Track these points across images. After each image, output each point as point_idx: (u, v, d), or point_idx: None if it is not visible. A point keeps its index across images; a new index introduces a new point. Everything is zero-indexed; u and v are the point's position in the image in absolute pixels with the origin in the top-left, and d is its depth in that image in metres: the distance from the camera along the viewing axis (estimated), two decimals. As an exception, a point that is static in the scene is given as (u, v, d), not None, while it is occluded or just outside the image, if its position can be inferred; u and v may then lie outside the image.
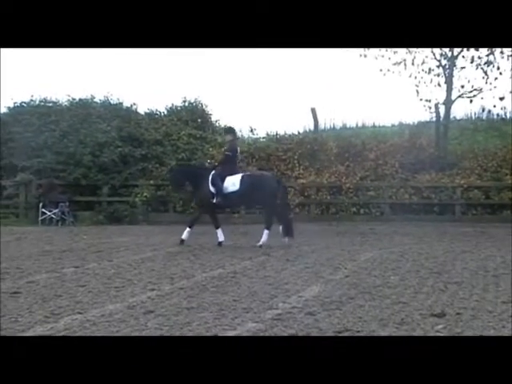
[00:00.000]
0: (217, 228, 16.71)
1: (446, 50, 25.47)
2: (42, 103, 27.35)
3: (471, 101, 26.46)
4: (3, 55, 46.08)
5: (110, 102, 27.43)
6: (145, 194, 24.55)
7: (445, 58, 25.90)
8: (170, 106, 28.26)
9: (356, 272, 11.53)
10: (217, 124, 28.58)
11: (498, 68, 25.49)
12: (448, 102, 26.11)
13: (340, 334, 6.94)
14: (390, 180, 24.53)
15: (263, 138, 27.57)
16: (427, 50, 25.57)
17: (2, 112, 27.31)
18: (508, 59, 25.36)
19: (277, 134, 27.52)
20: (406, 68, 26.06)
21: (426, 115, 28.14)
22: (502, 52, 25.20)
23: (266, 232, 16.15)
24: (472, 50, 25.01)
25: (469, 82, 25.81)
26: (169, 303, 8.70)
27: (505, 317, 7.75)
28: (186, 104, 28.14)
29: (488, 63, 25.50)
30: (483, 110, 31.50)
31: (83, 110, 26.59)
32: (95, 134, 25.57)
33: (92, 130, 25.78)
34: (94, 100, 27.39)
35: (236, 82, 49.60)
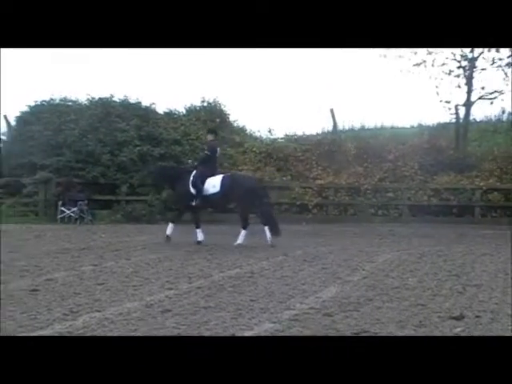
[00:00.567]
0: (197, 228, 16.74)
1: (467, 51, 25.35)
2: (62, 102, 27.49)
3: (492, 102, 26.33)
4: (24, 54, 46.30)
5: (129, 102, 27.50)
6: (163, 194, 24.57)
7: (465, 60, 25.77)
8: (188, 105, 28.32)
9: (374, 273, 11.50)
10: (235, 124, 28.60)
11: (519, 70, 25.33)
12: (468, 104, 25.99)
13: (357, 336, 6.92)
14: (409, 181, 24.43)
15: (281, 138, 27.56)
16: (447, 51, 25.47)
17: (22, 110, 27.47)
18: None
19: (295, 135, 27.49)
20: (426, 69, 25.97)
21: (445, 117, 27.97)
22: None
23: (243, 232, 16.25)
24: (493, 51, 24.87)
25: (489, 83, 25.71)
26: (186, 302, 8.71)
27: (524, 320, 7.70)
28: (205, 104, 28.17)
29: (509, 65, 25.34)
30: (503, 112, 31.30)
31: (102, 109, 26.67)
32: (114, 133, 25.66)
33: (111, 129, 25.86)
34: (114, 99, 27.45)
35: (254, 82, 49.59)
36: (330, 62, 50.94)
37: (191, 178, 16.52)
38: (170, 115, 27.77)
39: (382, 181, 24.65)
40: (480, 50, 24.94)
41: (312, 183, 24.61)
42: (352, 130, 33.19)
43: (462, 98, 26.03)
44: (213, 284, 10.22)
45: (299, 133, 27.97)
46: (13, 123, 27.65)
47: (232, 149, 25.56)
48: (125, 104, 27.32)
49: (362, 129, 33.47)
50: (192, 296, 9.18)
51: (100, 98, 27.37)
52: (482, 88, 25.80)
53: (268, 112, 41.23)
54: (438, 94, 26.00)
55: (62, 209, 24.10)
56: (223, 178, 16.43)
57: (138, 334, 6.96)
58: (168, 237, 16.60)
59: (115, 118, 26.35)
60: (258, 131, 28.52)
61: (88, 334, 6.92)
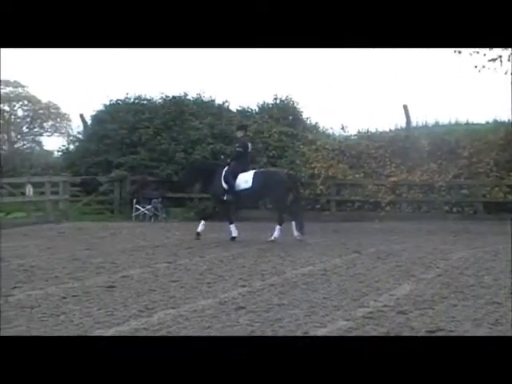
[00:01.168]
0: (230, 224, 16.89)
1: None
2: (137, 101, 27.85)
3: None
4: (99, 54, 47.06)
5: (202, 100, 27.71)
6: (236, 191, 24.66)
7: (542, 54, 25.19)
8: (261, 103, 28.37)
9: (448, 271, 11.36)
10: (308, 121, 28.55)
11: None
12: (545, 99, 25.39)
13: (433, 334, 6.86)
14: (484, 178, 23.99)
15: (354, 135, 27.37)
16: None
17: (98, 109, 27.94)
18: None
19: (368, 132, 27.28)
20: (501, 64, 25.44)
21: (522, 112, 27.37)
22: None
23: (278, 228, 16.40)
24: None
25: None
26: (260, 299, 8.75)
27: None
28: (278, 101, 28.19)
29: None
30: None
31: (176, 107, 26.93)
32: (188, 132, 25.88)
33: (184, 127, 26.10)
34: (187, 97, 27.70)
35: (327, 79, 49.44)
36: (404, 59, 50.46)
37: (223, 174, 16.74)
38: (242, 113, 27.86)
39: (456, 178, 24.26)
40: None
41: (385, 180, 24.40)
42: (426, 126, 32.72)
43: (540, 93, 25.44)
44: (286, 281, 10.24)
45: (372, 129, 27.77)
46: (89, 122, 28.14)
47: (304, 146, 25.51)
48: (198, 102, 27.54)
49: (436, 125, 32.95)
50: (265, 293, 9.22)
51: (174, 97, 27.64)
52: (561, 82, 25.17)
53: (341, 109, 41.08)
54: (513, 89, 25.46)
55: (137, 206, 24.44)
56: (255, 173, 16.69)
57: (212, 331, 7.03)
58: (198, 234, 16.84)
59: (189, 116, 26.58)
60: (331, 128, 28.42)
61: (163, 331, 7.02)
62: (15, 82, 43.35)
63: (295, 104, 28.24)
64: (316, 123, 28.89)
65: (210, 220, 22.47)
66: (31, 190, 24.88)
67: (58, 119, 43.38)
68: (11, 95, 43.51)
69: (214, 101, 27.80)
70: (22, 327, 7.19)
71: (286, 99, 28.14)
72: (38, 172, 28.06)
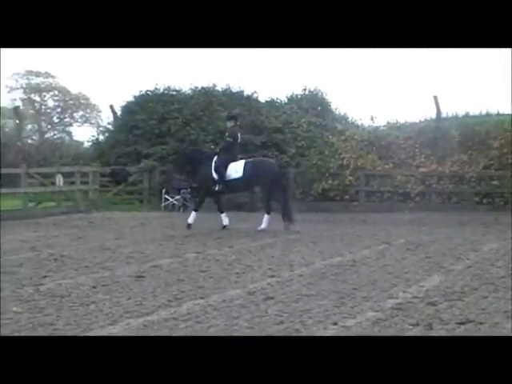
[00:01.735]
0: (221, 213, 17.08)
1: None
2: (166, 91, 27.93)
3: None
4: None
5: (231, 90, 27.74)
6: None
7: None
8: (290, 94, 28.34)
9: (479, 263, 11.28)
10: (337, 112, 28.48)
11: None
12: None
13: (462, 326, 6.82)
14: (515, 169, 23.78)
15: (383, 126, 27.25)
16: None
17: (128, 100, 28.05)
18: None
19: (397, 123, 27.15)
20: (533, 54, 25.21)
21: (554, 102, 27.09)
22: None
23: (266, 217, 16.56)
24: None
25: None
26: (288, 290, 8.75)
27: None
28: (306, 92, 28.15)
29: None
30: None
31: (205, 98, 26.98)
32: (217, 122, 25.90)
33: (213, 117, 26.14)
34: (216, 88, 27.74)
35: (357, 70, 49.24)
36: (434, 50, 50.10)
37: (213, 164, 16.83)
38: (271, 104, 27.87)
39: (486, 168, 24.05)
40: None
41: (415, 171, 24.26)
42: (456, 117, 32.57)
43: None
44: (315, 272, 10.24)
45: (402, 121, 27.64)
46: (118, 113, 28.28)
47: (333, 137, 25.44)
48: (227, 93, 27.57)
49: (467, 116, 32.79)
50: (294, 284, 9.21)
51: (203, 87, 27.69)
52: None
53: (370, 100, 40.90)
54: (546, 79, 25.22)
55: (166, 197, 24.53)
56: (246, 163, 16.80)
57: (240, 321, 7.04)
58: (189, 225, 16.87)
59: (218, 106, 26.61)
60: (360, 119, 28.35)
61: (192, 321, 7.04)
62: (46, 72, 43.69)
63: (324, 95, 28.20)
64: (345, 114, 28.90)
65: (237, 210, 22.58)
66: (61, 180, 25.07)
67: (88, 110, 43.63)
68: (42, 86, 43.81)
69: (242, 91, 27.82)
70: (52, 316, 7.25)
71: (315, 90, 28.09)
72: (68, 162, 28.25)
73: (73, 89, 43.36)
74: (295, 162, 25.16)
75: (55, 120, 44.03)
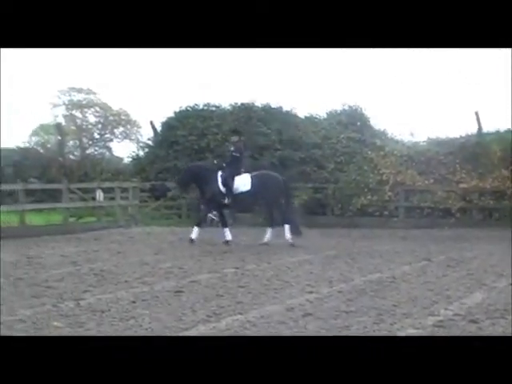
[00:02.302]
0: (224, 227, 17.19)
1: None
2: (206, 107, 28.06)
3: None
4: (172, 61, 47.58)
5: (270, 106, 27.77)
6: (303, 197, 24.61)
7: None
8: (329, 110, 28.33)
9: (521, 280, 11.12)
10: (376, 127, 28.38)
11: None
12: None
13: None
14: (559, 185, 23.45)
15: (423, 141, 27.09)
16: None
17: (168, 116, 28.21)
18: None
19: (437, 138, 26.95)
20: None
21: None
22: None
23: (269, 230, 16.89)
24: None
25: None
26: (327, 306, 8.70)
27: None
28: (346, 108, 28.11)
29: None
30: None
31: (244, 113, 27.05)
32: (255, 137, 25.94)
33: (252, 133, 26.16)
34: (255, 104, 27.80)
35: (396, 85, 49.02)
36: (474, 64, 49.71)
37: (219, 178, 16.94)
38: (310, 119, 27.86)
39: (528, 184, 23.78)
40: None
41: (455, 187, 24.06)
42: (497, 132, 32.16)
43: None
44: (354, 288, 10.17)
45: (442, 136, 27.41)
46: (158, 129, 28.45)
47: (373, 152, 25.34)
48: (266, 109, 27.60)
49: (508, 131, 32.34)
50: (333, 300, 9.16)
51: (242, 103, 27.77)
52: None
53: (410, 115, 40.64)
54: None
55: (205, 212, 24.52)
56: (253, 176, 17.03)
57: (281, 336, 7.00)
58: (192, 240, 16.93)
59: (257, 122, 26.66)
60: (399, 134, 28.18)
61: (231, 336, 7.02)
62: (87, 89, 44.07)
63: (363, 110, 28.13)
64: (384, 129, 28.72)
65: (278, 226, 22.52)
66: (102, 195, 25.30)
67: (129, 126, 43.89)
68: (83, 102, 44.23)
69: (281, 107, 27.84)
70: (92, 331, 7.28)
71: (354, 105, 28.04)
72: (109, 177, 28.53)
73: (114, 105, 43.69)
74: (334, 178, 25.09)
75: (96, 136, 44.36)
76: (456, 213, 23.64)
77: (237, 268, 12.40)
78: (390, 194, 24.13)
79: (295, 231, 16.85)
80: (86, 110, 44.69)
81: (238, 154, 17.31)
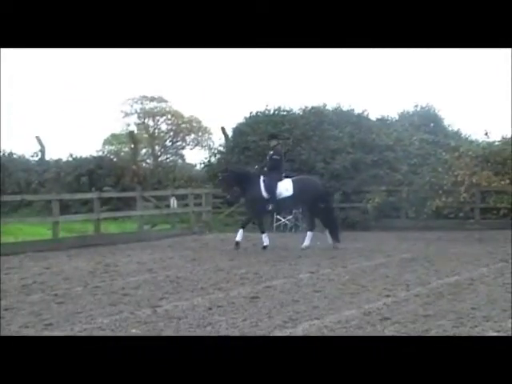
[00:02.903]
0: (263, 233, 17.21)
1: None
2: (277, 112, 28.05)
3: None
4: (242, 67, 47.85)
5: (341, 109, 27.63)
6: (376, 200, 24.41)
7: None
8: (401, 111, 28.06)
9: None
10: (450, 128, 28.00)
11: None
12: None
13: None
14: None
15: (498, 141, 26.59)
16: None
17: (239, 122, 28.32)
18: None
19: (513, 137, 26.41)
20: None
21: None
22: None
23: (309, 234, 16.83)
24: None
25: None
26: (405, 310, 8.61)
27: None
28: (418, 109, 27.81)
29: None
30: None
31: (315, 117, 26.95)
32: (327, 141, 25.84)
33: (324, 137, 26.07)
34: (326, 107, 27.71)
35: (470, 85, 48.36)
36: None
37: (261, 183, 16.90)
38: (382, 121, 27.64)
39: None
40: None
41: (533, 187, 23.55)
42: None
43: None
44: (431, 291, 10.05)
45: (518, 136, 26.83)
46: (229, 135, 28.58)
47: (447, 153, 24.99)
48: (337, 112, 27.47)
49: None
50: (411, 304, 9.07)
51: (313, 107, 27.69)
52: None
53: (484, 114, 39.99)
54: None
55: (278, 217, 24.57)
56: (294, 181, 17.13)
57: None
58: (238, 243, 16.95)
59: (328, 125, 26.54)
60: (474, 134, 27.74)
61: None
62: (159, 97, 44.57)
63: (436, 111, 27.78)
64: (458, 130, 28.30)
65: (351, 229, 22.42)
66: (175, 202, 25.54)
67: (200, 133, 44.18)
68: (155, 110, 44.75)
69: (353, 110, 27.67)
70: (170, 337, 7.34)
71: (427, 106, 27.72)
72: (182, 184, 28.77)
73: (185, 112, 44.08)
74: (408, 180, 24.82)
75: (168, 143, 44.78)
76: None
77: (312, 273, 12.37)
78: (465, 195, 23.71)
79: (334, 237, 16.97)
80: (157, 117, 45.22)
81: (278, 157, 17.38)
